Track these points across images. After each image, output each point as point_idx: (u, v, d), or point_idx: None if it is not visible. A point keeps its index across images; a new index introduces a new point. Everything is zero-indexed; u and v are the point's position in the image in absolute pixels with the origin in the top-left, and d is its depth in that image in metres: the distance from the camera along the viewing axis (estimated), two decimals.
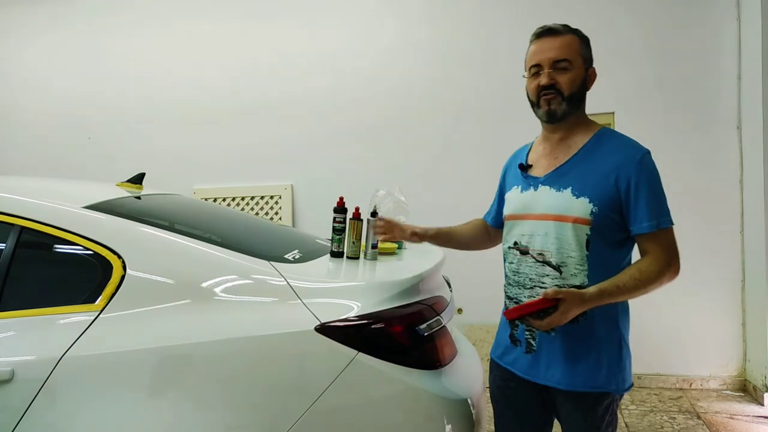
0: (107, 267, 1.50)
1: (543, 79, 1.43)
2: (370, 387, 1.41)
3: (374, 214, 1.87)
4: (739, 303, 3.58)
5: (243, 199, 4.47)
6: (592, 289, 1.35)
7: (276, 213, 4.40)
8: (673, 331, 3.63)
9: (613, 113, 3.72)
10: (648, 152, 1.42)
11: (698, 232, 3.58)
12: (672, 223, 1.39)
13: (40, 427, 1.40)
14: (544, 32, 1.46)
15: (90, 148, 4.81)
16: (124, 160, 4.55)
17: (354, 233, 1.82)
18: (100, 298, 1.47)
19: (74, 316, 1.46)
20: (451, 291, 2.00)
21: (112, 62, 4.76)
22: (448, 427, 1.48)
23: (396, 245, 2.07)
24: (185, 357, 1.41)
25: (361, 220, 1.83)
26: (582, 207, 1.38)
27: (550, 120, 1.48)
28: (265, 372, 1.41)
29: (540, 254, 1.44)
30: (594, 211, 1.37)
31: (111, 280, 1.48)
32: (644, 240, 1.39)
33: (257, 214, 4.41)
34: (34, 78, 4.95)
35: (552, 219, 1.42)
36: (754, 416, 3.17)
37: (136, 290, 1.48)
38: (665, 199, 1.40)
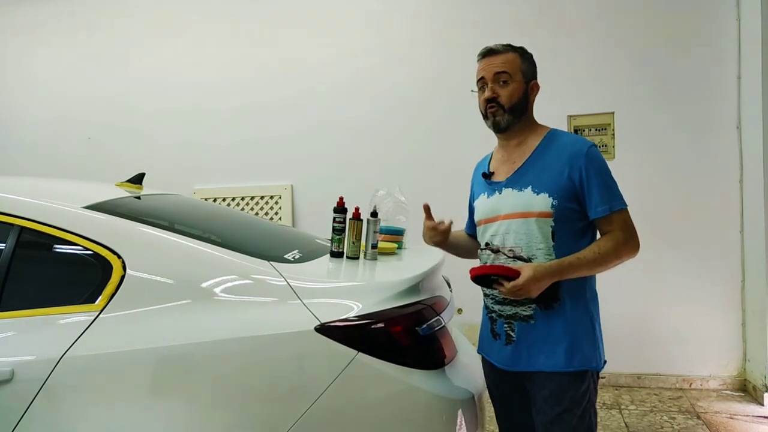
0: (107, 267, 1.50)
1: (486, 93, 1.61)
2: (370, 387, 1.41)
3: (374, 214, 1.87)
4: (739, 303, 3.58)
5: (243, 199, 4.47)
6: (553, 261, 1.49)
7: (276, 213, 4.41)
8: (673, 331, 3.63)
9: (613, 113, 3.71)
10: (593, 145, 1.56)
11: (698, 232, 3.57)
12: (625, 205, 1.52)
13: (39, 427, 1.40)
14: (487, 52, 1.62)
15: (90, 148, 4.82)
16: (124, 160, 4.54)
17: (354, 233, 1.82)
18: (100, 298, 1.47)
19: (74, 316, 1.46)
20: (451, 291, 2.00)
21: (112, 63, 4.76)
22: (449, 427, 1.48)
23: (396, 245, 2.07)
24: (185, 357, 1.41)
25: (361, 220, 1.83)
26: (543, 202, 1.51)
27: (496, 130, 1.65)
28: (265, 372, 1.41)
29: (511, 250, 1.56)
30: (554, 204, 1.51)
31: (111, 280, 1.48)
32: (601, 223, 1.52)
33: (257, 214, 4.41)
34: (34, 79, 4.95)
35: (518, 217, 1.55)
36: (753, 416, 3.17)
37: (136, 290, 1.48)
38: (615, 184, 1.53)
